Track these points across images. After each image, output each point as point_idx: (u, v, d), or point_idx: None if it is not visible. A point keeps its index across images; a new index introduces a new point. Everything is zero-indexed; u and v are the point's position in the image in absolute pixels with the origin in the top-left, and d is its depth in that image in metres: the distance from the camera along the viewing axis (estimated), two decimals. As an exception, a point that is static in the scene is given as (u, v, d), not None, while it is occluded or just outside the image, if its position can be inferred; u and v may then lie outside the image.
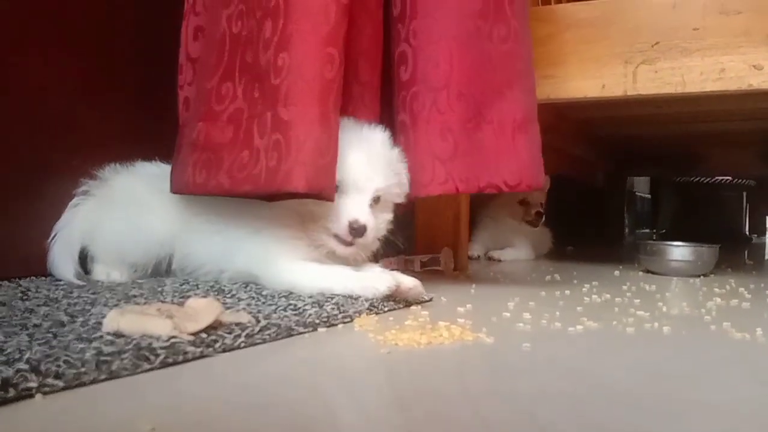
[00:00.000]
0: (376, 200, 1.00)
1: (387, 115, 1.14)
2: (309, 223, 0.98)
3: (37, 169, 1.08)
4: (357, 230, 0.95)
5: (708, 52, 1.18)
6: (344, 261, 1.00)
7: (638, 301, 1.04)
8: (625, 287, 1.21)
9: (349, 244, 0.97)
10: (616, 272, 1.51)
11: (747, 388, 0.59)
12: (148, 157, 1.15)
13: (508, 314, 0.90)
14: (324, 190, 0.92)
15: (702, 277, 1.46)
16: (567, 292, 1.13)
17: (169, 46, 1.15)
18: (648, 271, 1.54)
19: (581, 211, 2.79)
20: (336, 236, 0.97)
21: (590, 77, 1.27)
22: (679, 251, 1.50)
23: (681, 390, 0.58)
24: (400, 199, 1.06)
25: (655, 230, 3.74)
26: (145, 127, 1.21)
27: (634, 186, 3.59)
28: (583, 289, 1.16)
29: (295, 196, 0.93)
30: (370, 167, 0.99)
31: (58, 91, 1.12)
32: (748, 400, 0.55)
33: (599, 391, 0.57)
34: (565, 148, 2.21)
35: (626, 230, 3.28)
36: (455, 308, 0.91)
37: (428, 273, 1.34)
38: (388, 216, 1.04)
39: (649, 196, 3.82)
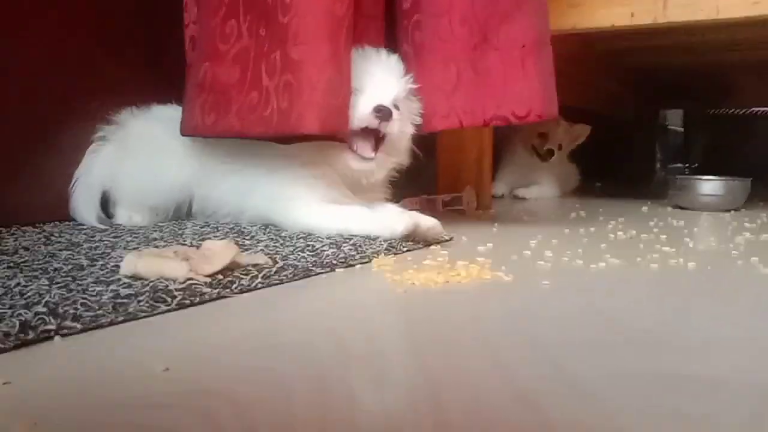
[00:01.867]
0: (396, 108, 0.97)
1: (392, 50, 1.10)
2: (328, 148, 0.96)
3: (55, 115, 1.07)
4: (383, 112, 0.93)
5: (744, -25, 1.11)
6: (364, 199, 0.99)
7: (665, 237, 1.02)
8: (652, 223, 1.19)
9: (368, 155, 0.96)
10: (644, 208, 1.47)
11: (772, 325, 0.58)
12: (164, 99, 1.14)
13: (529, 252, 0.89)
14: (338, 130, 0.91)
15: (733, 211, 1.43)
16: (592, 229, 1.11)
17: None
18: (678, 207, 1.51)
19: (610, 146, 2.72)
20: (353, 151, 0.96)
21: (618, 5, 1.21)
22: (709, 185, 1.46)
23: (701, 328, 0.57)
24: (413, 126, 1.04)
25: (687, 165, 3.64)
26: (162, 69, 1.19)
27: (667, 119, 3.47)
28: (609, 226, 1.14)
29: (309, 138, 0.92)
30: (387, 74, 0.98)
31: (74, 36, 1.11)
32: (773, 337, 0.54)
33: (617, 328, 0.56)
34: (593, 81, 2.14)
35: (657, 165, 3.20)
36: (475, 247, 0.90)
37: (450, 212, 1.32)
38: (409, 129, 1.02)
39: (681, 129, 3.70)
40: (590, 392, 0.41)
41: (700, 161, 3.48)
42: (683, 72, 2.50)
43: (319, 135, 0.90)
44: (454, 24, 1.03)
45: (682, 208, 1.48)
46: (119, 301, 0.56)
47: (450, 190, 1.41)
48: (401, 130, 0.98)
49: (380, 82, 0.97)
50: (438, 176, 1.49)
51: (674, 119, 3.60)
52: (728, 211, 1.42)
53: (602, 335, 0.54)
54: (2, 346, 0.47)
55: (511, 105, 1.02)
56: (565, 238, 1.03)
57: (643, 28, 1.23)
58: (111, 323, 0.54)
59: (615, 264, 0.81)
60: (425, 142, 1.10)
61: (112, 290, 0.59)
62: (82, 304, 0.54)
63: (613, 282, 0.74)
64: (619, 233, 1.05)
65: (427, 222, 0.94)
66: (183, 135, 1.05)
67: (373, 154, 0.96)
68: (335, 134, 0.91)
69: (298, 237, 0.89)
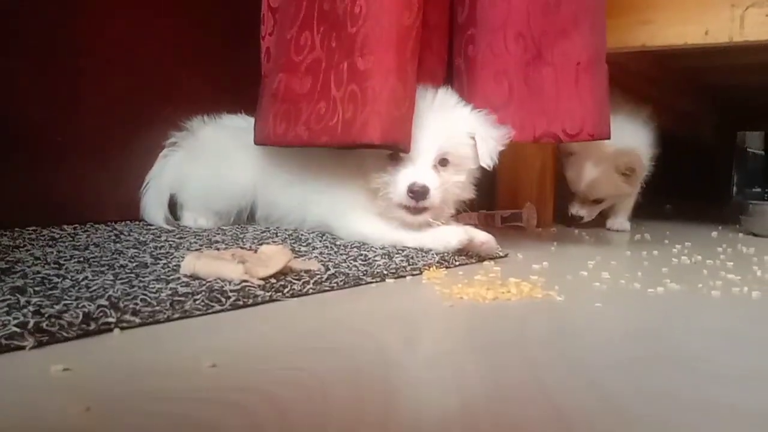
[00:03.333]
0: (443, 162, 0.95)
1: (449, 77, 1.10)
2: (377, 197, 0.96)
3: (131, 119, 1.14)
4: (417, 193, 0.90)
5: (830, -9, 1.06)
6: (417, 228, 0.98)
7: (731, 264, 0.98)
8: (720, 249, 1.14)
9: (417, 211, 0.93)
10: (714, 233, 1.42)
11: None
12: (233, 109, 1.19)
13: (585, 273, 0.87)
14: (400, 141, 0.91)
15: (811, 241, 1.35)
16: (655, 252, 1.08)
17: (255, 2, 1.16)
18: (751, 233, 1.44)
19: (685, 167, 2.62)
20: (403, 206, 0.93)
21: (692, 22, 1.17)
22: (784, 212, 1.39)
23: (753, 358, 0.54)
24: (474, 163, 0.98)
25: (767, 190, 3.46)
26: (232, 80, 1.24)
27: (746, 141, 3.32)
28: (674, 250, 1.10)
29: (371, 147, 0.93)
30: (430, 130, 0.94)
31: (150, 48, 1.18)
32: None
33: (668, 355, 0.54)
34: (666, 100, 2.07)
35: (734, 189, 3.06)
36: (530, 265, 0.90)
37: (509, 229, 1.31)
38: (460, 178, 0.97)
39: (762, 152, 3.53)
40: (628, 415, 0.40)
41: (782, 186, 3.30)
42: (765, 92, 2.39)
43: (381, 145, 0.91)
44: (508, 39, 1.03)
45: (755, 234, 1.42)
46: (177, 298, 0.59)
47: (510, 206, 1.40)
48: (443, 197, 0.94)
49: (420, 140, 0.93)
50: (498, 192, 1.48)
51: (754, 141, 3.43)
52: (806, 240, 1.35)
53: (646, 359, 0.52)
54: (66, 334, 0.50)
55: (563, 122, 1.00)
56: (626, 260, 1.01)
57: (718, 47, 1.19)
58: (168, 319, 0.57)
59: (674, 289, 0.78)
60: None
61: (171, 288, 0.61)
62: (142, 300, 0.57)
63: (669, 307, 0.72)
64: (683, 257, 1.02)
65: (482, 237, 0.93)
66: (256, 144, 1.09)
67: (418, 218, 0.93)
68: (397, 144, 0.91)
69: (352, 246, 0.91)
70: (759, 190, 3.45)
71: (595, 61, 1.00)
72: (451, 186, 0.95)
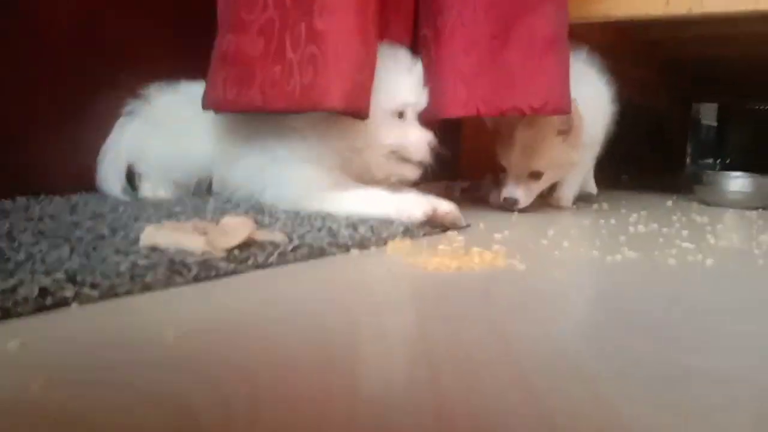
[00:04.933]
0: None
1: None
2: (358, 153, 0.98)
3: (85, 86, 1.09)
4: (433, 149, 0.98)
5: (786, -37, 1.08)
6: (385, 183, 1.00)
7: (686, 232, 1.01)
8: (675, 218, 1.17)
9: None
10: (669, 203, 1.46)
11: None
12: (193, 76, 1.15)
13: (545, 242, 0.88)
14: (362, 108, 0.90)
15: (761, 209, 1.40)
16: (612, 221, 1.10)
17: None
18: (704, 203, 1.48)
19: (640, 138, 2.68)
20: (408, 160, 0.99)
21: (652, -7, 1.18)
22: (736, 181, 1.44)
23: (714, 323, 0.56)
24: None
25: (719, 160, 3.57)
26: (191, 44, 1.20)
27: (700, 113, 3.41)
28: (630, 219, 1.13)
29: (331, 111, 0.92)
30: (417, 89, 0.99)
31: (105, 10, 1.13)
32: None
33: (627, 321, 0.56)
34: (625, 71, 2.10)
35: (688, 159, 3.15)
36: (492, 234, 0.90)
37: (471, 199, 1.32)
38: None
39: (715, 124, 3.63)
40: (591, 379, 0.41)
41: (734, 157, 3.41)
42: (720, 64, 2.44)
43: (343, 110, 0.90)
44: (479, 11, 1.03)
45: (708, 204, 1.46)
46: (137, 271, 0.58)
47: (473, 177, 1.41)
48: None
49: (417, 103, 1.01)
50: (460, 161, 1.49)
51: (707, 113, 3.52)
52: (756, 209, 1.40)
53: (606, 324, 0.54)
54: (21, 310, 0.48)
55: (528, 97, 1.01)
56: (585, 229, 1.03)
57: (678, 18, 1.21)
58: (127, 292, 0.56)
59: (632, 257, 0.80)
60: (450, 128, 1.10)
61: (130, 260, 0.60)
62: (100, 273, 0.56)
63: (627, 275, 0.74)
64: (640, 226, 1.04)
65: (445, 206, 0.94)
66: (204, 109, 1.05)
67: (419, 172, 1.01)
68: (359, 111, 0.90)
69: (316, 217, 0.90)
70: (711, 161, 3.56)
71: (559, 38, 1.01)
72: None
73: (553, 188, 1.27)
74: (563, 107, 1.03)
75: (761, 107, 3.32)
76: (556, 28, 1.02)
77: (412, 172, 1.00)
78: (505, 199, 1.16)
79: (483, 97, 1.03)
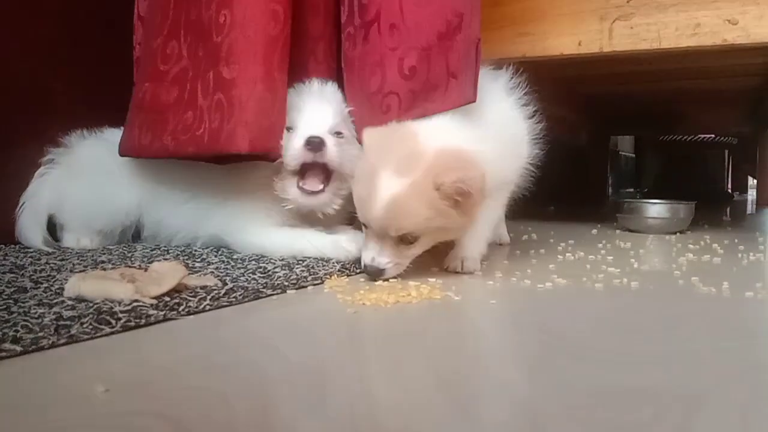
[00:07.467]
0: (338, 135, 0.95)
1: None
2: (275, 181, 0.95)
3: (4, 137, 1.05)
4: (314, 145, 0.89)
5: (683, 7, 1.16)
6: (317, 221, 0.99)
7: (611, 258, 1.05)
8: (600, 245, 1.22)
9: (313, 193, 0.92)
10: (594, 231, 1.51)
11: (701, 340, 0.60)
12: (114, 123, 1.13)
13: (479, 273, 0.90)
14: (269, 150, 0.91)
15: (678, 234, 1.47)
16: (542, 250, 1.13)
17: (132, 10, 1.12)
18: (626, 230, 1.55)
19: (565, 171, 2.79)
20: (300, 188, 0.92)
21: (566, 34, 1.25)
22: (655, 208, 1.51)
23: (636, 343, 0.58)
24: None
25: (638, 189, 3.75)
26: (112, 93, 1.18)
27: (618, 145, 3.59)
28: (559, 248, 1.17)
29: (240, 158, 0.93)
30: (320, 105, 0.96)
31: (24, 60, 1.10)
32: (701, 351, 0.56)
33: (557, 344, 0.57)
34: (546, 108, 2.19)
35: (609, 189, 3.29)
36: (428, 268, 0.92)
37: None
38: (355, 150, 0.94)
39: (633, 155, 3.82)
40: (528, 403, 0.42)
41: (652, 186, 3.59)
42: (634, 99, 2.59)
43: (249, 154, 0.91)
44: (383, 30, 0.96)
45: (630, 230, 1.53)
46: (62, 322, 0.55)
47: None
48: (348, 156, 0.93)
49: (312, 113, 0.94)
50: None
51: (625, 145, 3.71)
52: (674, 233, 1.47)
53: (541, 350, 0.55)
54: (-66, 369, 0.46)
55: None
56: (516, 259, 1.05)
57: (590, 57, 1.28)
58: (53, 345, 0.53)
59: (561, 284, 0.83)
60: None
61: (54, 312, 0.58)
62: (23, 326, 0.53)
63: (558, 301, 0.76)
64: (568, 254, 1.08)
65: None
66: (120, 155, 1.04)
67: (320, 186, 0.93)
68: (266, 154, 0.91)
69: (250, 259, 0.89)
70: (631, 189, 3.74)
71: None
72: (347, 156, 0.93)
73: (450, 245, 0.93)
74: (469, 97, 0.88)
75: (671, 138, 3.52)
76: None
77: (307, 199, 0.92)
78: (365, 266, 0.83)
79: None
